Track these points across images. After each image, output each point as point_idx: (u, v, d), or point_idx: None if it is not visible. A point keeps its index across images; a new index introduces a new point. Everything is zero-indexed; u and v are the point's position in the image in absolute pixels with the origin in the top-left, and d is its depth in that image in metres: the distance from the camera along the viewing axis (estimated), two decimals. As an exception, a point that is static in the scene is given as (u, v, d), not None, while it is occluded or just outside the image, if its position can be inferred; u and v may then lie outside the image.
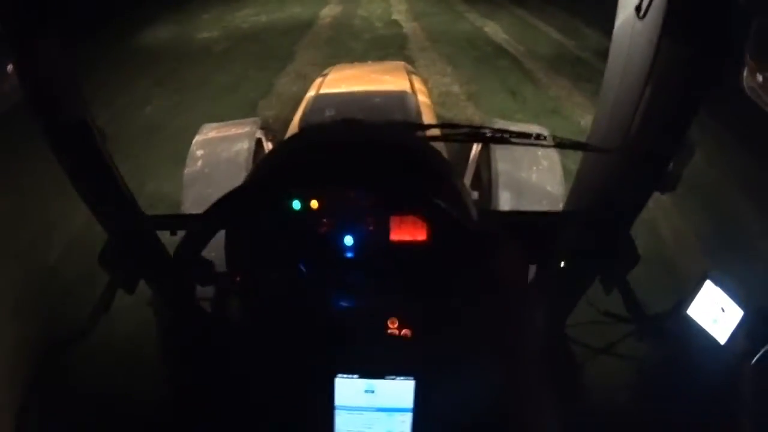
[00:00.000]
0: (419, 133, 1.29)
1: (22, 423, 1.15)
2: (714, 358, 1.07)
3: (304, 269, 1.05)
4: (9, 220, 2.95)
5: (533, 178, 2.30)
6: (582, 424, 1.08)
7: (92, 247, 1.26)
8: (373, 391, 0.98)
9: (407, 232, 1.03)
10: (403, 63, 3.46)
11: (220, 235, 1.03)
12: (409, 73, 2.95)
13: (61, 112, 1.06)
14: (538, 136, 1.17)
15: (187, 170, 2.39)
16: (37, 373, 1.20)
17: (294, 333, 1.01)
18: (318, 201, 1.00)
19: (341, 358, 1.00)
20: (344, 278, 1.06)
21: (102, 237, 1.26)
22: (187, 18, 8.46)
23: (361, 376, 0.98)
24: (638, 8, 1.03)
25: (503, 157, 2.30)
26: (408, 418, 0.99)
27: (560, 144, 1.23)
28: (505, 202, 2.23)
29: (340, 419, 1.00)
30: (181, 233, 1.38)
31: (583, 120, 4.51)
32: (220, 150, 2.44)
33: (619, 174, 1.19)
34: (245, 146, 2.44)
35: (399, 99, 2.38)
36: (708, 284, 1.15)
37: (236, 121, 2.78)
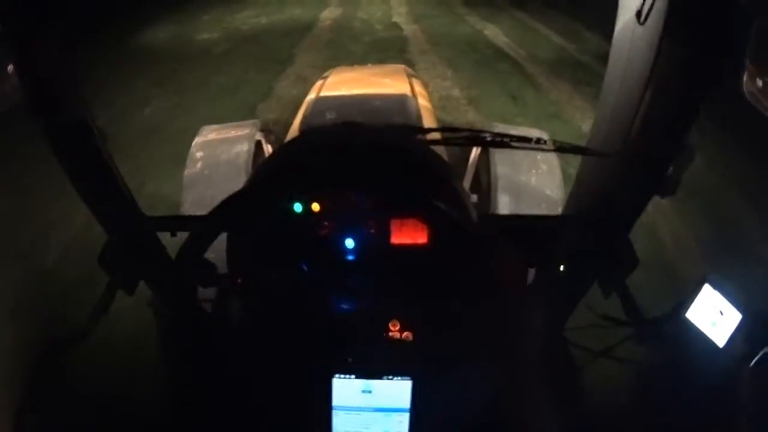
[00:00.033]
0: (420, 137, 1.30)
1: (20, 424, 1.15)
2: (712, 361, 1.08)
3: (305, 271, 1.06)
4: (9, 220, 2.96)
5: (532, 182, 2.31)
6: (581, 426, 1.08)
7: (91, 248, 1.26)
8: (370, 392, 0.99)
9: (408, 235, 1.04)
10: (403, 66, 3.48)
11: (221, 237, 1.04)
12: (409, 76, 2.97)
13: (62, 113, 1.06)
14: (538, 140, 1.18)
15: (186, 171, 2.40)
16: (36, 373, 1.21)
17: (293, 334, 1.02)
18: (319, 204, 1.01)
19: (338, 359, 1.00)
20: (345, 281, 1.07)
21: (101, 238, 1.26)
22: (187, 19, 8.47)
23: (359, 377, 0.99)
24: (639, 13, 1.04)
25: (502, 161, 2.32)
26: (405, 418, 0.99)
27: (560, 148, 1.24)
28: (504, 205, 2.25)
29: (338, 419, 1.01)
30: (181, 234, 1.40)
31: (584, 125, 4.52)
32: (219, 152, 2.45)
33: (618, 178, 1.20)
34: (245, 148, 2.46)
35: (399, 102, 2.39)
36: (707, 288, 1.16)
37: (236, 123, 2.79)
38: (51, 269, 2.81)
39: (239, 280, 1.07)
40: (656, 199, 1.17)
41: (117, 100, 4.96)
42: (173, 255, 1.36)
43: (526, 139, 1.18)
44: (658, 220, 3.13)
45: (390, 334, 1.03)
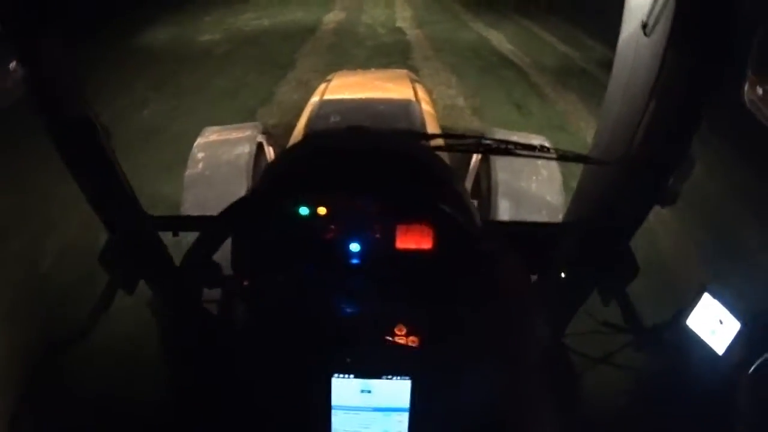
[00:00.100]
0: (425, 142, 1.33)
1: (19, 424, 1.17)
2: (712, 368, 1.10)
3: (309, 274, 1.09)
4: (9, 217, 2.98)
5: (533, 188, 2.34)
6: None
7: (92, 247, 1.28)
8: (369, 391, 1.00)
9: (413, 240, 1.06)
10: (406, 71, 3.52)
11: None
12: (412, 81, 3.01)
13: (65, 109, 1.08)
14: (540, 148, 1.21)
15: (187, 172, 2.44)
16: (34, 374, 1.22)
17: (294, 334, 1.04)
18: (326, 207, 1.03)
19: (338, 358, 1.02)
20: (349, 284, 1.09)
21: (99, 238, 1.28)
22: (188, 20, 8.53)
23: (358, 376, 1.00)
24: (644, 25, 1.07)
25: (503, 167, 2.35)
26: (404, 418, 1.01)
27: (563, 156, 1.27)
28: (504, 211, 2.28)
29: (337, 419, 1.03)
30: (183, 234, 1.42)
31: (590, 137, 4.53)
32: (221, 153, 2.48)
33: (620, 186, 1.22)
34: (246, 150, 2.49)
35: (404, 107, 2.43)
36: (706, 297, 1.18)
37: (238, 125, 2.83)
38: (47, 273, 2.82)
39: (245, 282, 1.09)
40: (656, 207, 1.20)
41: (116, 101, 5.00)
42: (174, 255, 1.40)
43: (529, 147, 1.21)
44: (657, 228, 3.16)
45: (396, 338, 1.05)
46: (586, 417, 1.26)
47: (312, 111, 2.45)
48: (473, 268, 1.01)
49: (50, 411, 1.70)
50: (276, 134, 3.54)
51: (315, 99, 2.66)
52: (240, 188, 2.33)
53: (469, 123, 4.87)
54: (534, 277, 1.32)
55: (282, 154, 1.43)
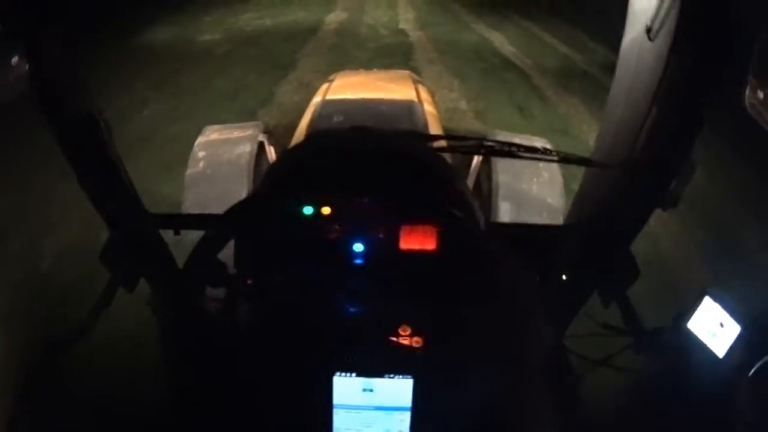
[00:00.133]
0: (429, 144, 1.35)
1: (17, 424, 1.17)
2: (712, 370, 1.12)
3: (313, 274, 1.09)
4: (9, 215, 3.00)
5: (533, 190, 2.36)
6: None
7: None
8: (371, 390, 1.01)
9: (417, 241, 1.07)
10: (408, 72, 3.54)
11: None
12: (414, 82, 3.03)
13: (68, 106, 1.09)
14: (543, 151, 1.23)
15: (188, 171, 2.45)
16: (33, 373, 1.23)
17: (296, 333, 1.04)
18: (330, 207, 1.04)
19: (339, 357, 1.03)
20: (352, 284, 1.10)
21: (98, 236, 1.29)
22: (189, 19, 8.54)
23: (360, 375, 1.01)
24: (648, 30, 1.09)
25: (504, 169, 2.36)
26: (406, 417, 1.01)
27: (565, 158, 1.28)
28: (504, 212, 2.29)
29: (338, 418, 1.03)
30: (184, 233, 1.43)
31: (593, 141, 4.54)
32: (222, 152, 2.49)
33: (622, 189, 1.23)
34: (247, 149, 2.50)
35: (407, 108, 2.45)
36: (707, 300, 1.20)
37: (239, 124, 2.85)
38: (46, 273, 2.83)
39: (249, 282, 1.10)
40: (657, 210, 1.21)
41: (115, 101, 5.00)
42: (174, 253, 1.41)
43: (532, 150, 1.22)
44: (658, 229, 3.18)
45: (400, 339, 1.05)
46: (585, 418, 1.27)
47: (315, 111, 2.46)
48: (477, 269, 1.02)
49: (49, 410, 1.70)
50: (277, 133, 3.55)
51: (317, 99, 2.68)
52: (241, 187, 2.34)
53: (471, 126, 4.88)
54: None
55: (286, 153, 1.45)
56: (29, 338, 1.95)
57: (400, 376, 1.00)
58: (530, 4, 9.86)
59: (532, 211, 2.30)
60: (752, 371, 1.05)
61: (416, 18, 9.08)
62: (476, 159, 2.71)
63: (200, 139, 2.62)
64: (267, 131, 2.83)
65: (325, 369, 1.02)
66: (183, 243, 1.65)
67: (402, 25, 8.58)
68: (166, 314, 1.42)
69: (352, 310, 1.08)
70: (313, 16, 8.97)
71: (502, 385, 0.94)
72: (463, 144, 1.32)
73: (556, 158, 1.28)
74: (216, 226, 1.10)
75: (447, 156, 2.03)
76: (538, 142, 2.40)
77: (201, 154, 2.51)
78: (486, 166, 2.54)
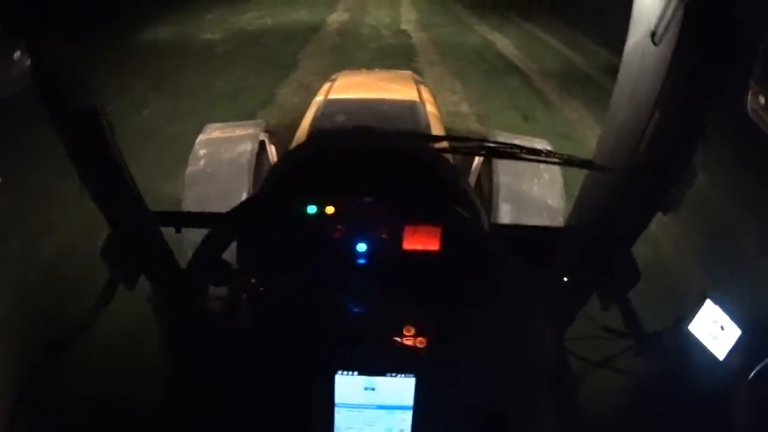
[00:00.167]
0: (433, 144, 1.36)
1: (16, 423, 1.18)
2: (712, 372, 1.13)
3: (316, 273, 1.10)
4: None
5: (534, 191, 2.37)
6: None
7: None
8: (373, 389, 1.01)
9: (420, 241, 1.08)
10: (410, 72, 3.56)
11: None
12: (416, 82, 3.04)
13: (71, 103, 1.09)
14: (547, 153, 1.24)
15: (189, 169, 2.46)
16: (33, 373, 1.23)
17: (298, 332, 1.05)
18: (334, 207, 1.05)
19: (341, 355, 1.03)
20: (355, 284, 1.11)
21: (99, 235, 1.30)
22: (190, 18, 8.57)
23: (361, 373, 1.01)
24: (653, 34, 1.10)
25: (505, 170, 2.38)
26: (408, 416, 1.02)
27: (568, 161, 1.29)
28: (505, 213, 2.31)
29: (340, 417, 1.04)
30: (185, 231, 1.44)
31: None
32: (223, 150, 2.51)
33: (623, 193, 1.24)
34: (248, 148, 2.51)
35: (409, 109, 2.46)
36: (708, 303, 1.21)
37: (240, 122, 2.86)
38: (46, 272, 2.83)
39: (252, 280, 1.11)
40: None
41: (115, 101, 4.99)
42: (175, 251, 1.42)
43: (535, 151, 1.23)
44: (658, 230, 3.20)
45: (404, 339, 1.06)
46: (585, 420, 1.28)
47: (317, 110, 2.47)
48: (480, 270, 1.03)
49: (49, 410, 1.71)
50: (278, 132, 3.57)
51: (320, 98, 2.69)
52: (241, 186, 2.35)
53: (473, 130, 4.88)
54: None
55: (290, 152, 1.46)
56: (28, 338, 1.96)
57: (402, 375, 1.00)
58: (531, 6, 9.91)
59: (533, 213, 2.31)
60: (752, 374, 1.07)
61: (418, 19, 9.11)
62: (477, 160, 2.72)
63: (201, 137, 2.63)
64: (268, 130, 2.85)
65: (327, 367, 1.03)
66: (183, 241, 1.66)
67: (404, 26, 8.61)
68: (167, 312, 1.42)
69: (355, 309, 1.09)
70: (315, 16, 9.00)
71: (504, 385, 0.95)
72: (466, 145, 1.33)
73: (558, 161, 1.29)
74: (220, 225, 1.11)
75: (449, 157, 2.06)
76: (539, 144, 2.42)
77: (202, 152, 2.52)
78: (487, 167, 2.56)
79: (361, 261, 1.10)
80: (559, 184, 2.42)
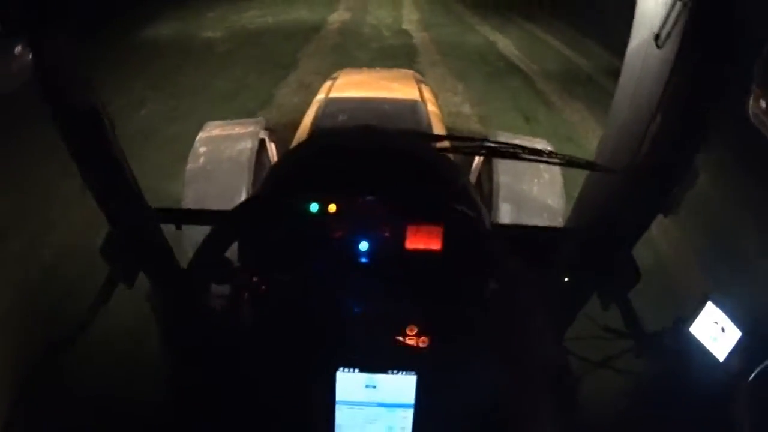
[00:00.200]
0: (436, 144, 1.36)
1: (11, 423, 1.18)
2: (712, 374, 1.14)
3: (318, 271, 1.10)
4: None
5: (534, 191, 2.38)
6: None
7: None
8: (374, 386, 1.02)
9: (422, 240, 1.08)
10: (412, 71, 3.56)
11: None
12: (418, 81, 3.05)
13: (73, 99, 1.09)
14: (548, 153, 1.25)
15: (189, 166, 2.46)
16: (31, 371, 1.23)
17: (300, 330, 1.06)
18: (336, 205, 1.06)
19: (342, 352, 1.04)
20: (357, 283, 1.11)
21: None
22: (192, 15, 8.57)
23: (363, 370, 1.02)
24: (657, 36, 1.10)
25: (505, 170, 2.38)
26: (409, 414, 1.02)
27: (570, 162, 1.30)
28: (505, 213, 2.31)
29: (341, 414, 1.04)
30: (186, 230, 1.45)
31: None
32: (223, 148, 2.51)
33: (624, 194, 1.24)
34: (248, 145, 2.51)
35: (411, 108, 2.47)
36: (709, 305, 1.22)
37: (241, 120, 2.87)
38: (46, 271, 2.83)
39: (255, 278, 1.11)
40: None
41: (113, 101, 4.98)
42: (175, 250, 1.42)
43: (537, 152, 1.24)
44: (656, 230, 3.22)
45: (407, 339, 1.07)
46: (585, 420, 1.28)
47: (318, 108, 2.48)
48: (482, 269, 1.04)
49: (47, 409, 1.71)
50: (278, 131, 3.57)
51: (321, 96, 2.70)
52: (241, 184, 2.35)
53: (475, 132, 4.88)
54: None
55: (292, 150, 1.46)
56: (27, 337, 1.96)
57: (404, 373, 1.01)
58: (533, 7, 9.94)
59: (533, 213, 2.32)
60: (752, 376, 1.07)
61: (420, 19, 9.12)
62: (477, 159, 2.73)
63: (201, 135, 2.63)
64: (268, 128, 2.85)
65: (328, 364, 1.03)
66: (183, 240, 1.66)
67: (405, 26, 8.62)
68: (167, 310, 1.43)
69: (357, 308, 1.09)
70: (316, 15, 9.01)
71: (504, 384, 0.95)
72: (468, 144, 1.34)
73: (560, 161, 1.30)
74: (223, 223, 1.11)
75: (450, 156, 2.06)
76: (539, 144, 2.42)
77: (202, 149, 2.52)
78: (487, 167, 2.56)
79: (363, 260, 1.10)
80: (559, 184, 2.42)
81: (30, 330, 2.14)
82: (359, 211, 1.07)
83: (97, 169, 1.20)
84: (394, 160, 1.14)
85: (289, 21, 8.64)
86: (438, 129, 2.41)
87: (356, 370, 1.02)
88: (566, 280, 1.37)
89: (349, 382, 1.03)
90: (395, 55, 7.03)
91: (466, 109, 5.39)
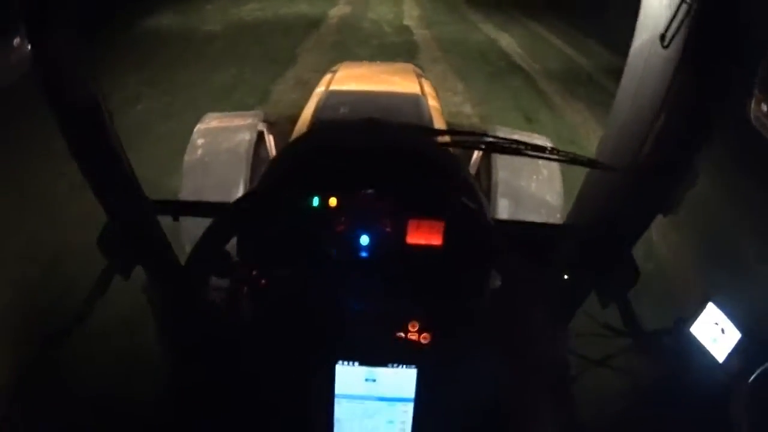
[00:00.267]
0: (438, 138, 1.37)
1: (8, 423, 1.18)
2: (712, 374, 1.15)
3: (318, 265, 1.11)
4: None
5: (533, 188, 2.38)
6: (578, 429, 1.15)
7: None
8: (374, 380, 1.02)
9: (423, 235, 1.08)
10: (412, 65, 3.54)
11: None
12: (418, 75, 3.04)
13: (72, 92, 1.09)
14: (549, 150, 1.25)
15: (186, 158, 2.45)
16: (28, 367, 1.23)
17: (299, 323, 1.06)
18: (337, 199, 1.06)
19: (342, 344, 1.04)
20: (357, 277, 1.11)
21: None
22: (191, 8, 8.53)
23: (362, 364, 1.02)
24: (662, 37, 1.11)
25: (504, 165, 2.38)
26: (409, 408, 1.03)
27: (572, 159, 1.30)
28: (503, 209, 2.31)
29: (340, 408, 1.04)
30: (183, 219, 1.45)
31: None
32: (221, 140, 2.50)
33: (624, 193, 1.25)
34: (247, 138, 2.51)
35: (412, 102, 2.46)
36: (710, 306, 1.23)
37: (239, 112, 2.86)
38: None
39: (254, 272, 1.11)
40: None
41: (111, 96, 4.96)
42: (171, 239, 1.42)
43: (539, 148, 1.25)
44: (656, 231, 3.24)
45: (408, 335, 1.07)
46: (585, 419, 1.29)
47: (318, 101, 2.47)
48: (483, 264, 1.05)
49: (44, 406, 1.71)
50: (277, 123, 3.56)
51: (321, 89, 2.69)
52: (239, 176, 2.35)
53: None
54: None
55: (292, 143, 1.46)
56: (22, 332, 1.96)
57: (404, 366, 1.01)
58: (535, 6, 9.95)
59: (531, 209, 2.32)
60: (752, 378, 1.08)
61: (421, 16, 9.09)
62: (476, 155, 2.72)
63: (199, 126, 2.62)
64: (267, 120, 2.84)
65: (328, 357, 1.03)
66: (181, 234, 1.67)
67: (407, 22, 8.59)
68: (164, 303, 1.43)
69: (358, 302, 1.10)
70: (316, 10, 8.96)
71: (505, 379, 0.96)
72: (470, 139, 1.34)
73: (562, 158, 1.30)
74: (222, 216, 1.11)
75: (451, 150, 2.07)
76: (539, 140, 2.43)
77: (200, 141, 2.51)
78: (486, 162, 2.56)
79: (364, 254, 1.10)
80: (557, 181, 2.42)
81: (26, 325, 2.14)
82: (360, 206, 1.07)
83: (96, 160, 1.20)
84: (396, 155, 1.14)
85: (288, 15, 8.59)
86: (439, 123, 2.41)
87: (356, 364, 1.02)
88: (565, 277, 1.38)
89: (348, 376, 1.03)
90: (396, 52, 6.98)
91: (467, 108, 5.38)
